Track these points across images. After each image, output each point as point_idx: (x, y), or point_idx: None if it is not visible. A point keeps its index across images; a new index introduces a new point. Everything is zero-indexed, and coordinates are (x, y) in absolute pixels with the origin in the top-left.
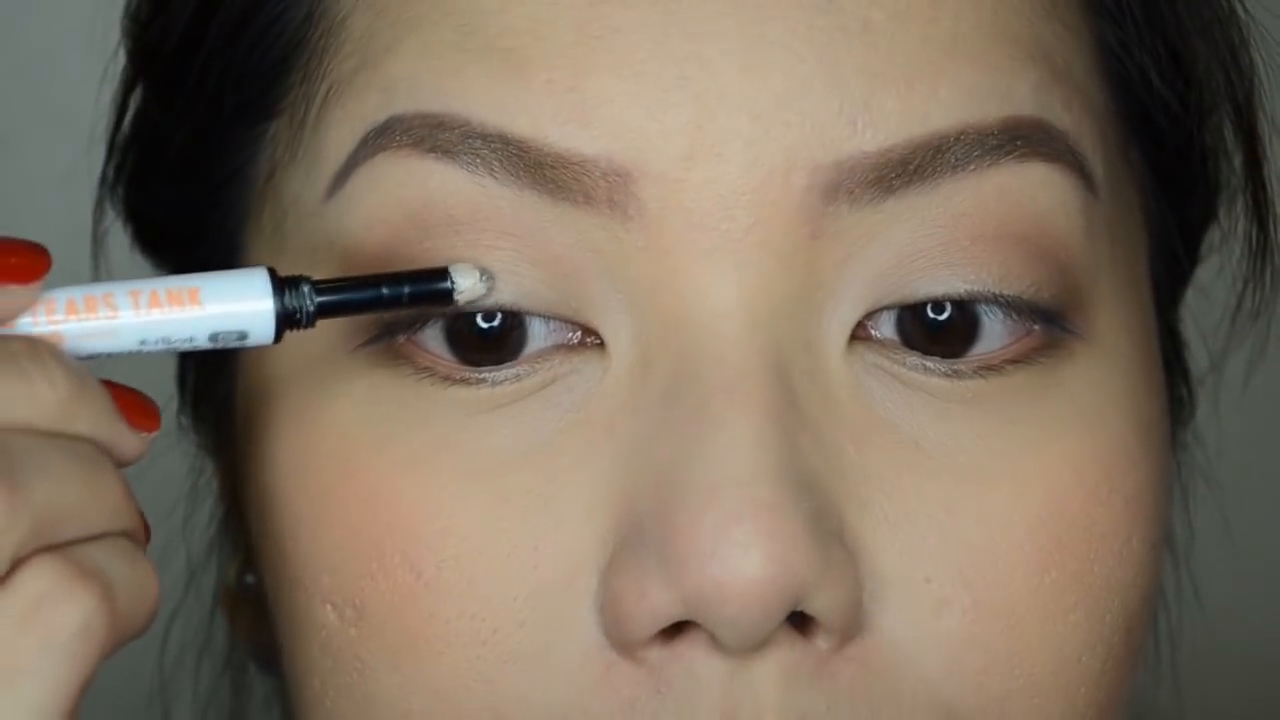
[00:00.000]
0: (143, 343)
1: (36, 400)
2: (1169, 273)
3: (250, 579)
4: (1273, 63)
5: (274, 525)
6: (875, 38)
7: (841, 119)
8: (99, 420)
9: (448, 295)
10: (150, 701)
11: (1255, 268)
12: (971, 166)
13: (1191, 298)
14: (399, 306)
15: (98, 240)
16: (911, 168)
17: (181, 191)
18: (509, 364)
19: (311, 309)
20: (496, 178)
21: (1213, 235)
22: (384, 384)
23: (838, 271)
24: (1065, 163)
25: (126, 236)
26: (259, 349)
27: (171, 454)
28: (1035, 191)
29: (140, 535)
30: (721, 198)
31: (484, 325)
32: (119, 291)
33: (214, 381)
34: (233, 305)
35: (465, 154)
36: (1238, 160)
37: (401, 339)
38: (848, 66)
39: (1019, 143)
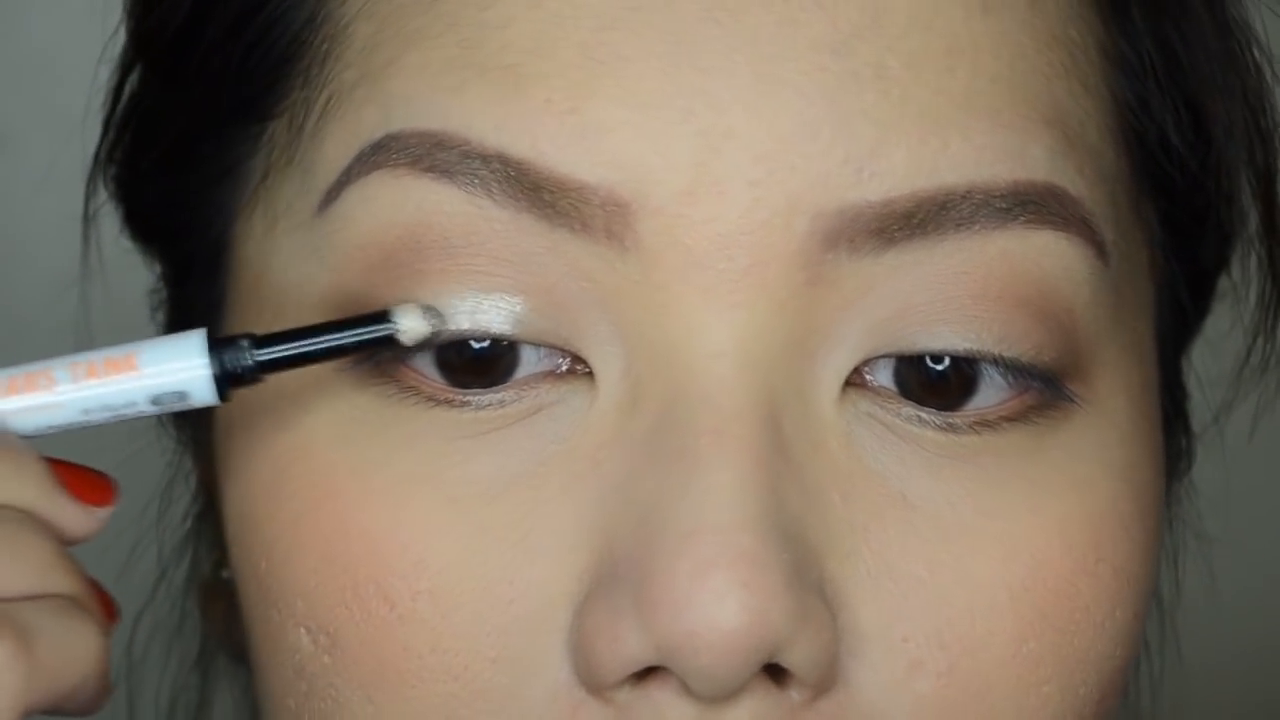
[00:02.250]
0: (86, 413)
1: None
2: (1176, 323)
3: (226, 574)
4: None
5: (249, 542)
6: (888, 85)
7: (848, 167)
8: (32, 490)
9: (392, 339)
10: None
11: (1266, 323)
12: (977, 227)
13: (1197, 349)
14: (344, 355)
15: (88, 221)
16: (915, 221)
17: (172, 181)
18: (497, 388)
19: (252, 365)
20: (494, 199)
21: (1222, 284)
22: (366, 404)
23: (834, 319)
24: (1075, 231)
25: (117, 222)
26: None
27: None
28: (1040, 258)
29: (87, 600)
30: (721, 237)
31: (475, 347)
32: (57, 366)
33: None
34: (169, 369)
35: (463, 174)
36: (1253, 216)
37: (389, 358)
38: (857, 113)
39: (1029, 208)
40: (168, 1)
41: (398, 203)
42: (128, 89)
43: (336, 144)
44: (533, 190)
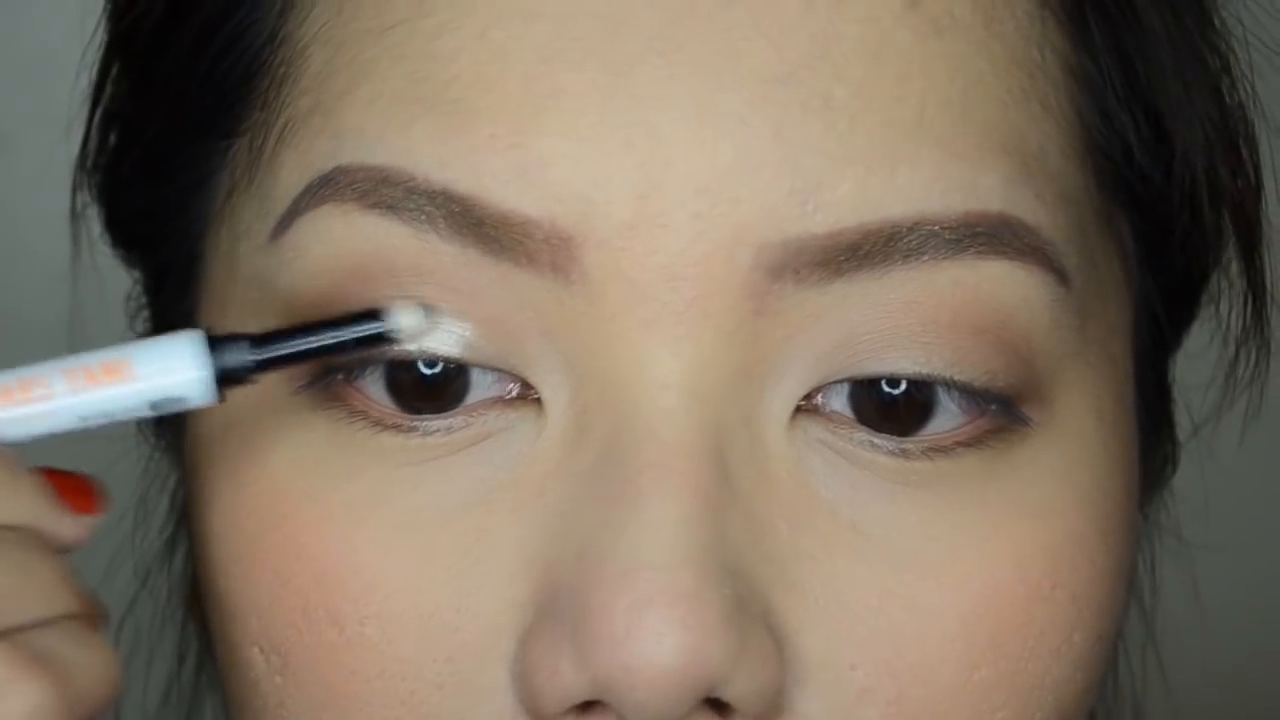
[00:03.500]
0: (83, 419)
1: None
2: (1155, 336)
3: None
4: (1272, 124)
5: (211, 557)
6: (835, 116)
7: (792, 199)
8: (30, 507)
9: (391, 336)
10: None
11: (1249, 332)
12: (926, 257)
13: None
14: (344, 352)
15: (75, 218)
16: (862, 253)
17: (149, 190)
18: (446, 414)
19: (251, 365)
20: (440, 234)
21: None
22: (318, 428)
23: (781, 349)
24: (1031, 258)
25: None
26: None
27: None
28: (994, 287)
29: (90, 615)
30: (664, 269)
31: (426, 371)
32: (53, 373)
33: None
34: (169, 373)
35: (409, 210)
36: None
37: (340, 379)
38: (803, 145)
39: (980, 239)
40: (142, 5)
41: (346, 235)
42: (107, 92)
43: (290, 172)
44: (477, 225)
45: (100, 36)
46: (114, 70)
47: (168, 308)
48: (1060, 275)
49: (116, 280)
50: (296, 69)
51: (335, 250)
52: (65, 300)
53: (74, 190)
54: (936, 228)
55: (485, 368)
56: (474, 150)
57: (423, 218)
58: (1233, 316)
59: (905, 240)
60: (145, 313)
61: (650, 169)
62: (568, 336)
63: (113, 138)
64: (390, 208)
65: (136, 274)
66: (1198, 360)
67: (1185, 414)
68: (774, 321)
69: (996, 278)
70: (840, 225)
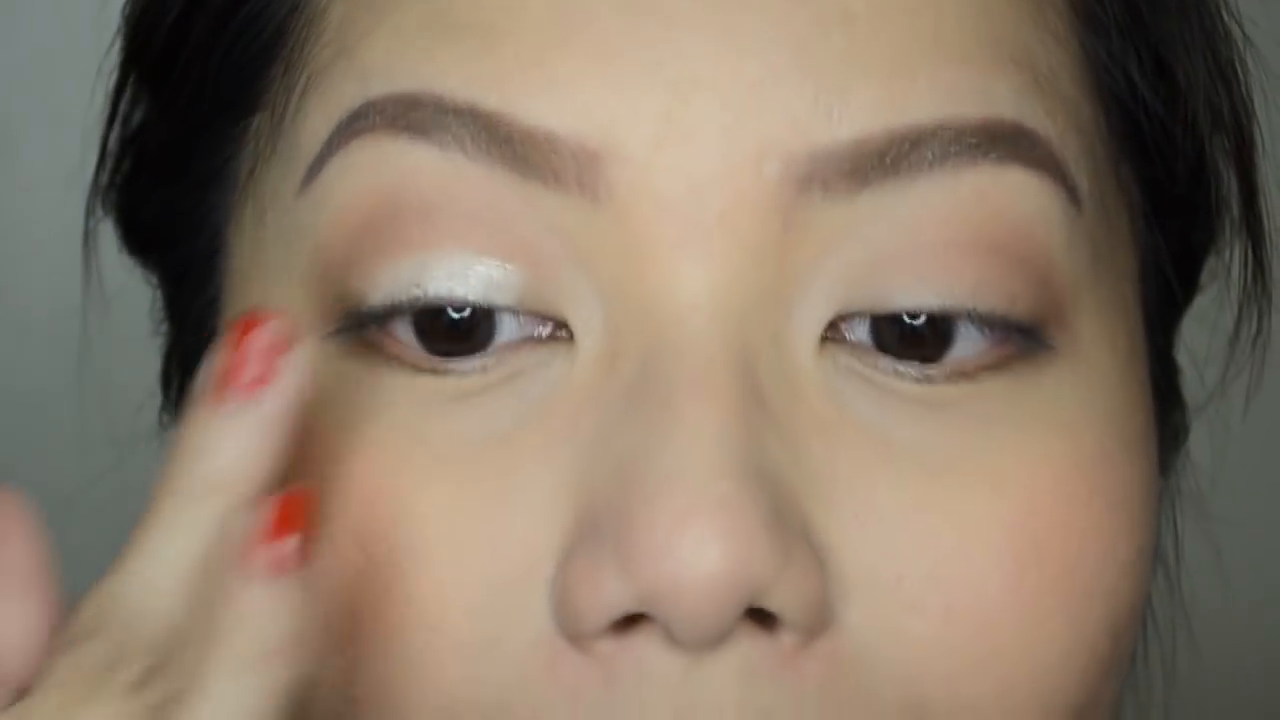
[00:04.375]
0: None
1: None
2: (1163, 297)
3: None
4: (1271, 85)
5: None
6: (854, 28)
7: (818, 108)
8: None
9: None
10: None
11: (1250, 294)
12: (949, 164)
13: (1187, 325)
14: None
15: (89, 240)
16: (888, 160)
17: (168, 192)
18: (478, 355)
19: None
20: (468, 154)
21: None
22: (351, 371)
23: (809, 267)
24: (1046, 170)
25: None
26: None
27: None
28: (1014, 197)
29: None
30: (692, 184)
31: (454, 316)
32: None
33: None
34: None
35: (437, 130)
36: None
37: (372, 329)
38: (825, 55)
39: (999, 144)
40: (156, 6)
41: (376, 166)
42: (122, 109)
43: (316, 121)
44: (505, 143)
45: (108, 33)
46: (128, 86)
47: (189, 304)
48: (1072, 194)
49: (115, 280)
50: (317, 29)
51: (364, 184)
52: (67, 299)
53: (87, 215)
54: (957, 132)
55: (516, 309)
56: (500, 70)
57: (449, 138)
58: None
59: (929, 146)
60: (165, 317)
61: (678, 86)
62: (597, 261)
63: (130, 153)
64: (419, 131)
65: (154, 280)
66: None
67: (1199, 383)
68: (801, 237)
69: (1015, 187)
70: (867, 131)
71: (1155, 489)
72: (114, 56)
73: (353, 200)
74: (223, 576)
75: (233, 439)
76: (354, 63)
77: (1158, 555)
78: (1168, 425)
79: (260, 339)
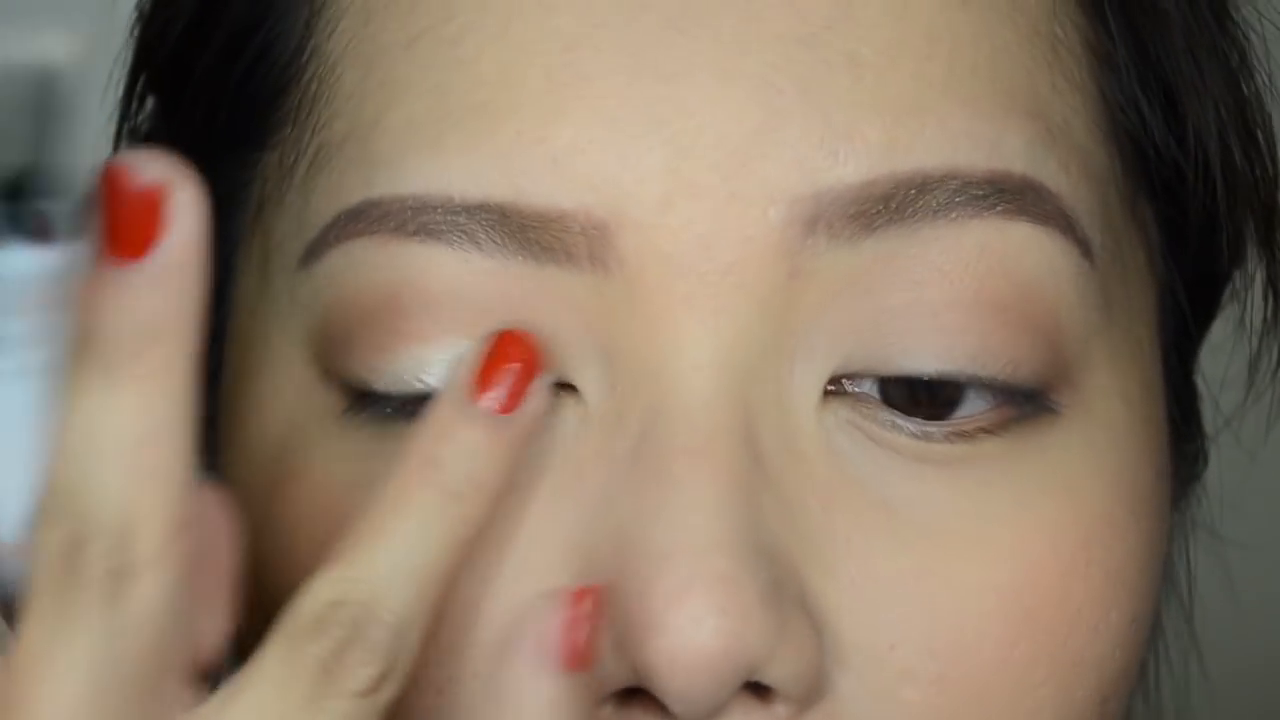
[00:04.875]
0: None
1: None
2: (1180, 327)
3: None
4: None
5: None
6: (861, 71)
7: (822, 150)
8: None
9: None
10: None
11: (1270, 322)
12: (954, 214)
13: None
14: None
15: None
16: (893, 205)
17: None
18: None
19: None
20: (482, 249)
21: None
22: (373, 449)
23: (813, 320)
24: (1056, 226)
25: None
26: None
27: None
28: (1020, 253)
29: None
30: (700, 238)
31: None
32: None
33: None
34: None
35: (449, 231)
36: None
37: (388, 411)
38: (830, 98)
39: (1005, 197)
40: (169, 19)
41: (381, 265)
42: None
43: (321, 199)
44: (518, 231)
45: (109, 45)
46: (139, 87)
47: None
48: (1084, 247)
49: None
50: (328, 88)
51: (367, 281)
52: None
53: None
54: (964, 183)
55: None
56: (503, 152)
57: (463, 237)
58: (1253, 312)
59: (935, 193)
60: None
61: (679, 141)
62: (606, 328)
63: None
64: (430, 234)
65: None
66: (1223, 354)
67: (1214, 409)
68: (806, 286)
69: (1022, 242)
70: (873, 174)
71: (1160, 549)
72: (123, 61)
73: (355, 295)
74: (513, 657)
75: (488, 450)
76: (363, 150)
77: (1170, 582)
78: (1187, 452)
79: (517, 356)
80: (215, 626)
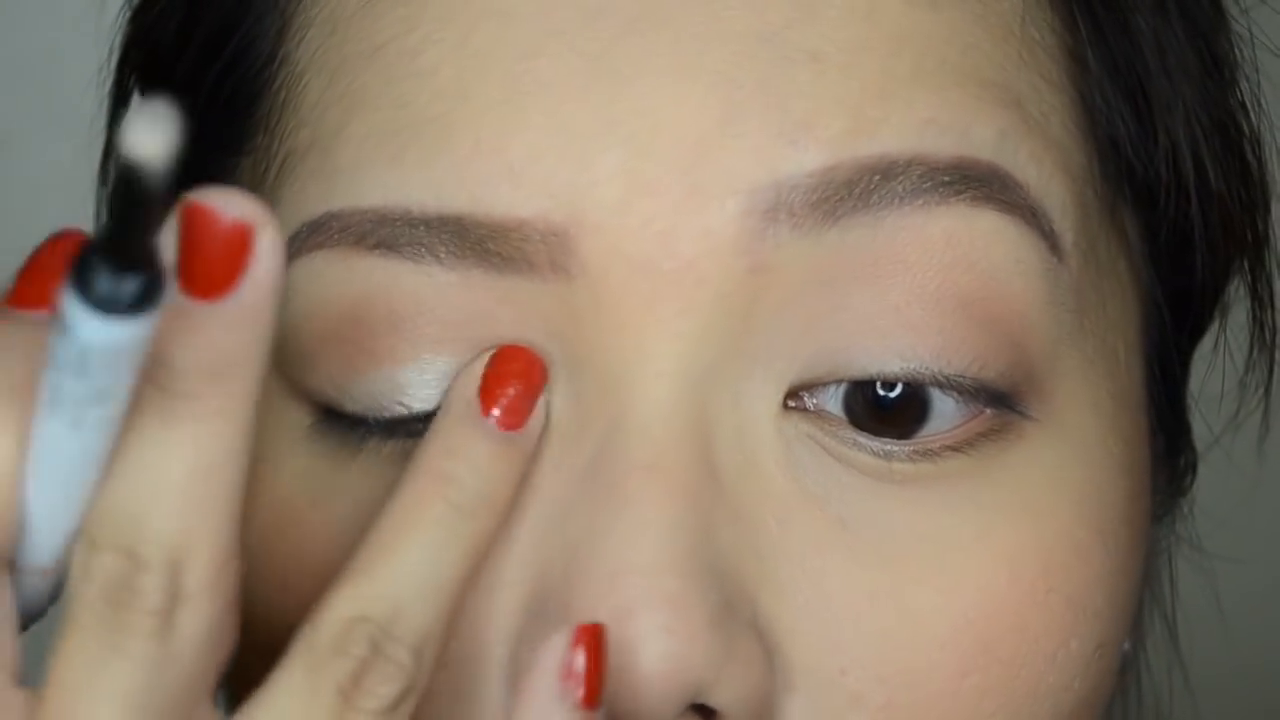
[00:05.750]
0: None
1: None
2: (1165, 339)
3: None
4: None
5: None
6: (824, 66)
7: (781, 139)
8: None
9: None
10: None
11: (1257, 338)
12: (920, 201)
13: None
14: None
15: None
16: (857, 191)
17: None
18: None
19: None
20: (443, 263)
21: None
22: (324, 450)
23: (775, 314)
24: (1023, 218)
25: None
26: None
27: None
28: (987, 243)
29: None
30: (660, 235)
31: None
32: None
33: None
34: None
35: (409, 245)
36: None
37: (360, 430)
38: (791, 91)
39: (973, 184)
40: (155, 21)
41: (342, 279)
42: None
43: (287, 210)
44: (477, 243)
45: (109, 33)
46: (130, 82)
47: None
48: (1052, 241)
49: None
50: (295, 96)
51: (330, 294)
52: None
53: (97, 217)
54: (929, 169)
55: None
56: (461, 164)
57: (423, 250)
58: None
59: (900, 179)
60: None
61: (636, 140)
62: (570, 337)
63: None
64: (390, 247)
65: None
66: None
67: (1203, 423)
68: (770, 280)
69: (988, 232)
70: (834, 160)
71: (1133, 569)
72: (113, 58)
73: (319, 309)
74: (529, 694)
75: (499, 465)
76: (325, 161)
77: (1155, 598)
78: (1175, 465)
79: (523, 372)
80: (230, 647)
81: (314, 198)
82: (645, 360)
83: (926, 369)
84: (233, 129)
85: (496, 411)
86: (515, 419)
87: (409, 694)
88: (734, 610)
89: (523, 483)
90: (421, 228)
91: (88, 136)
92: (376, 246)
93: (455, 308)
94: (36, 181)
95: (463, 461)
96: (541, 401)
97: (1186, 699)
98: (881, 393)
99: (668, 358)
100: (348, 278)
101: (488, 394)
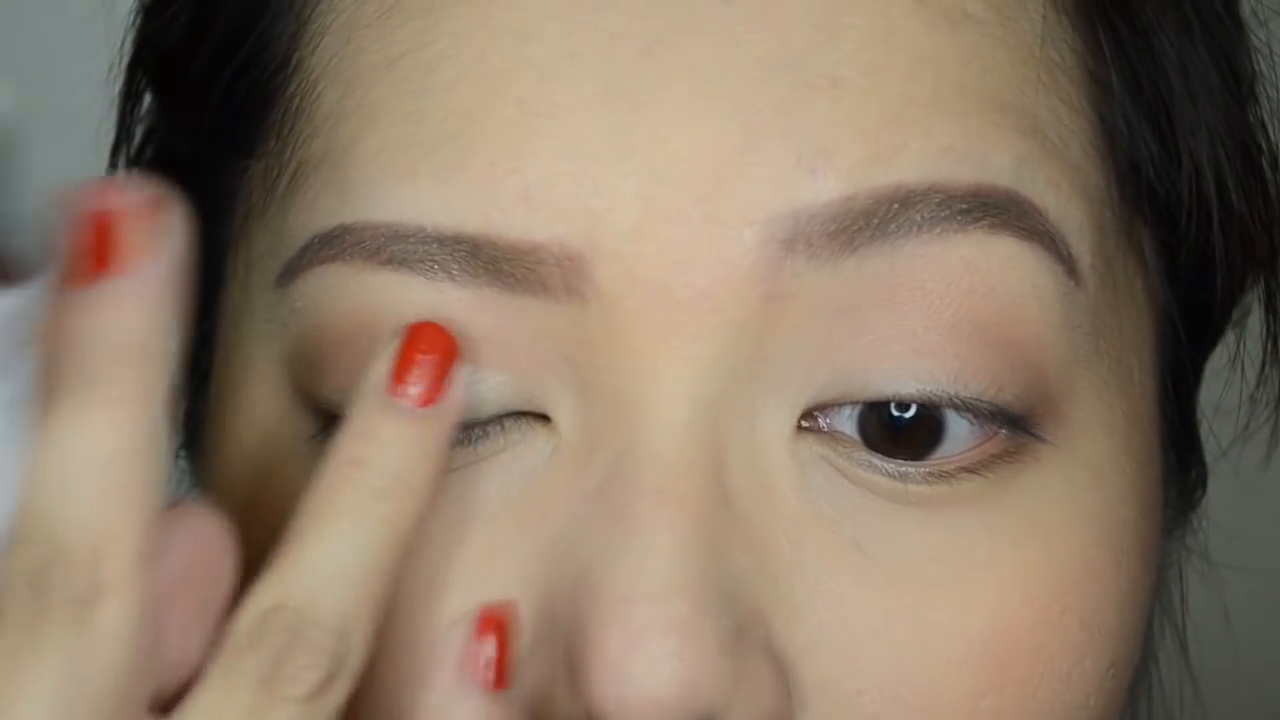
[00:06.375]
0: None
1: None
2: (1179, 355)
3: None
4: None
5: None
6: (842, 92)
7: (800, 167)
8: None
9: None
10: None
11: (1270, 352)
12: (938, 230)
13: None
14: None
15: None
16: (875, 221)
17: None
18: (466, 427)
19: None
20: (455, 280)
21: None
22: None
23: (790, 340)
24: (1041, 243)
25: None
26: None
27: None
28: (1004, 270)
29: None
30: (675, 264)
31: None
32: None
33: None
34: None
35: (421, 261)
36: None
37: None
38: (809, 118)
39: (991, 211)
40: (168, 20)
41: (354, 292)
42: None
43: (298, 219)
44: (490, 263)
45: (109, 32)
46: (139, 82)
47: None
48: (1069, 265)
49: None
50: (309, 104)
51: (342, 307)
52: None
53: None
54: (947, 197)
55: (500, 415)
56: (476, 184)
57: (435, 267)
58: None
59: (919, 208)
60: None
61: (653, 166)
62: (584, 360)
63: (141, 159)
64: (402, 263)
65: None
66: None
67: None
68: (784, 308)
69: (1006, 259)
70: (853, 189)
71: (1144, 588)
72: (122, 57)
73: (330, 320)
74: (433, 680)
75: (411, 445)
76: (337, 172)
77: (1165, 611)
78: (1186, 481)
79: (432, 348)
80: (189, 653)
81: (327, 210)
82: (658, 383)
83: (943, 391)
84: (244, 131)
85: (409, 389)
86: (429, 394)
87: (336, 677)
88: (746, 634)
89: (532, 504)
90: (435, 245)
91: (87, 136)
92: (389, 261)
93: (466, 324)
94: (45, 184)
95: (372, 444)
96: (458, 375)
97: (1196, 708)
98: (896, 414)
99: (680, 381)
100: (360, 291)
101: (399, 372)
